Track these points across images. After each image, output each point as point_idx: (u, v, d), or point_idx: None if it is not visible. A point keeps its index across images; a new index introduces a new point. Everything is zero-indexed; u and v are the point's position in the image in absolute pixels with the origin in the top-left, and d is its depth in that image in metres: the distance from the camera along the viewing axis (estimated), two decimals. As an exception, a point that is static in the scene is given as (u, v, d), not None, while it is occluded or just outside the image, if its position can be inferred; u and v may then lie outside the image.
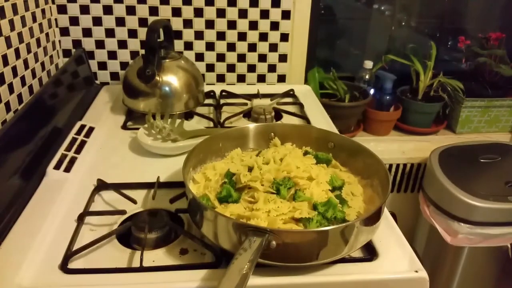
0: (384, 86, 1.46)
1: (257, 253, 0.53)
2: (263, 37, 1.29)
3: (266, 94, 1.22)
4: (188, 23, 1.25)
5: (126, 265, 0.62)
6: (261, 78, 1.34)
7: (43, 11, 1.10)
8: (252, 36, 1.28)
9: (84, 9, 1.20)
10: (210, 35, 1.27)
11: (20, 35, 0.95)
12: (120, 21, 1.22)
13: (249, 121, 1.09)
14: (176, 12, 1.23)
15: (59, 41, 1.22)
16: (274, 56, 1.32)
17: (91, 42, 1.24)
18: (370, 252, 0.65)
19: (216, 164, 0.76)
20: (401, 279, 0.61)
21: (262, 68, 1.33)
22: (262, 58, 1.32)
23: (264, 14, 1.26)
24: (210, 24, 1.25)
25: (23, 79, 0.96)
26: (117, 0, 1.20)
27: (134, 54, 1.26)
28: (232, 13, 1.25)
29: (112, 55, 1.26)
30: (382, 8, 1.62)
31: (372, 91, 1.43)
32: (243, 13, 1.25)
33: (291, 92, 1.24)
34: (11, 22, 0.91)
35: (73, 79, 1.15)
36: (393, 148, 1.40)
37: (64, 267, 0.61)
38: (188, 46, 1.27)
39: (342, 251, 0.59)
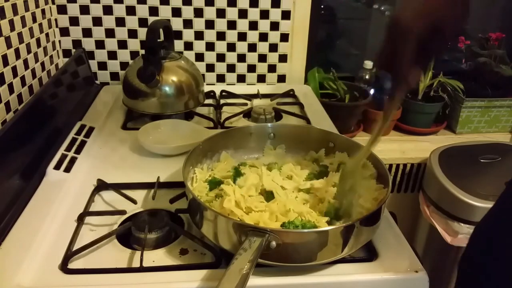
0: (384, 86, 1.46)
1: (257, 253, 0.53)
2: (263, 37, 1.29)
3: (266, 94, 1.22)
4: (188, 23, 1.25)
5: (126, 265, 0.62)
6: (261, 78, 1.34)
7: (43, 11, 1.10)
8: (252, 36, 1.28)
9: (84, 9, 1.20)
10: (210, 35, 1.27)
11: (20, 35, 0.95)
12: (120, 21, 1.22)
13: (249, 121, 1.09)
14: (176, 12, 1.23)
15: (59, 41, 1.22)
16: (274, 56, 1.32)
17: (91, 42, 1.24)
18: (370, 252, 0.65)
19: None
20: (401, 279, 0.61)
21: (262, 68, 1.33)
22: (262, 58, 1.32)
23: (264, 14, 1.26)
24: (210, 24, 1.25)
25: (23, 79, 0.96)
26: (117, 0, 1.20)
27: (134, 54, 1.26)
28: (232, 13, 1.25)
29: (112, 55, 1.26)
30: (382, 8, 1.62)
31: (372, 91, 1.43)
32: (243, 13, 1.25)
33: (291, 92, 1.24)
34: (11, 22, 0.91)
35: (73, 79, 1.15)
36: (393, 148, 1.40)
37: (64, 267, 0.61)
38: (188, 46, 1.27)
39: (342, 251, 0.59)
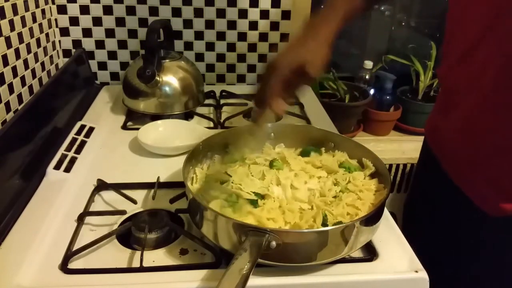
0: (384, 86, 1.46)
1: (257, 253, 0.53)
2: (263, 37, 1.29)
3: (266, 94, 1.21)
4: (188, 23, 1.25)
5: (126, 265, 0.62)
6: (261, 78, 1.34)
7: (43, 11, 1.10)
8: (252, 36, 1.28)
9: (84, 9, 1.20)
10: (210, 35, 1.27)
11: (20, 35, 0.95)
12: (120, 21, 1.22)
13: (249, 121, 1.09)
14: (176, 12, 1.23)
15: (59, 41, 1.22)
16: (274, 56, 1.32)
17: (91, 42, 1.24)
18: (370, 252, 0.65)
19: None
20: (401, 279, 0.61)
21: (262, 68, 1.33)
22: (262, 58, 1.32)
23: (264, 14, 1.26)
24: (210, 24, 1.25)
25: (23, 79, 0.96)
26: (117, 0, 1.20)
27: (134, 54, 1.26)
28: (232, 13, 1.25)
29: (112, 55, 1.26)
30: (382, 8, 1.62)
31: (372, 91, 1.43)
32: (243, 13, 1.25)
33: (291, 92, 1.24)
34: (11, 22, 0.91)
35: (73, 79, 1.15)
36: (393, 148, 1.40)
37: (64, 267, 0.61)
38: (188, 46, 1.27)
39: (342, 251, 0.59)
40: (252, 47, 1.30)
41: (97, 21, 1.22)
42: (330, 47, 0.68)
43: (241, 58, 1.31)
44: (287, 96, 0.67)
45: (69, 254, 0.62)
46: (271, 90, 0.64)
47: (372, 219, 0.62)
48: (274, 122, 1.03)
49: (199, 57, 1.29)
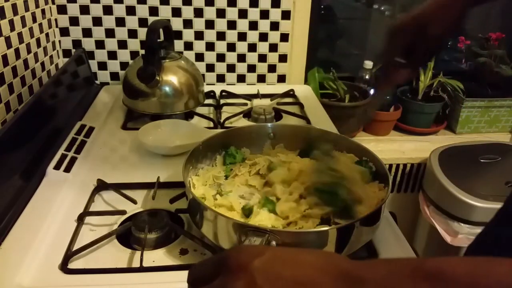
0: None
1: (257, 253, 0.53)
2: (263, 37, 1.29)
3: (266, 94, 1.22)
4: (188, 23, 1.25)
5: (126, 265, 0.62)
6: (261, 78, 1.34)
7: (43, 11, 1.10)
8: (252, 36, 1.28)
9: (84, 9, 1.20)
10: (210, 35, 1.27)
11: (20, 35, 0.95)
12: (120, 21, 1.22)
13: (249, 121, 1.09)
14: (176, 12, 1.23)
15: (59, 41, 1.22)
16: (274, 56, 1.32)
17: (91, 42, 1.24)
18: (370, 252, 0.65)
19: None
20: (401, 279, 0.61)
21: (262, 68, 1.33)
22: (262, 58, 1.32)
23: (264, 14, 1.26)
24: (210, 24, 1.25)
25: (23, 79, 0.96)
26: (117, 0, 1.20)
27: (134, 54, 1.26)
28: (232, 13, 1.25)
29: (112, 55, 1.26)
30: (382, 8, 1.62)
31: (372, 91, 1.43)
32: (243, 13, 1.25)
33: (291, 92, 1.24)
34: (11, 22, 0.91)
35: (73, 79, 1.15)
36: (393, 148, 1.40)
37: (64, 267, 0.61)
38: (188, 46, 1.27)
39: (342, 251, 0.59)
40: (252, 47, 1.30)
41: (97, 21, 1.22)
42: (460, 4, 0.59)
43: (241, 58, 1.31)
44: (410, 64, 0.58)
45: (69, 254, 0.62)
46: (387, 57, 0.58)
47: (372, 219, 0.62)
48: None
49: (199, 57, 1.29)
